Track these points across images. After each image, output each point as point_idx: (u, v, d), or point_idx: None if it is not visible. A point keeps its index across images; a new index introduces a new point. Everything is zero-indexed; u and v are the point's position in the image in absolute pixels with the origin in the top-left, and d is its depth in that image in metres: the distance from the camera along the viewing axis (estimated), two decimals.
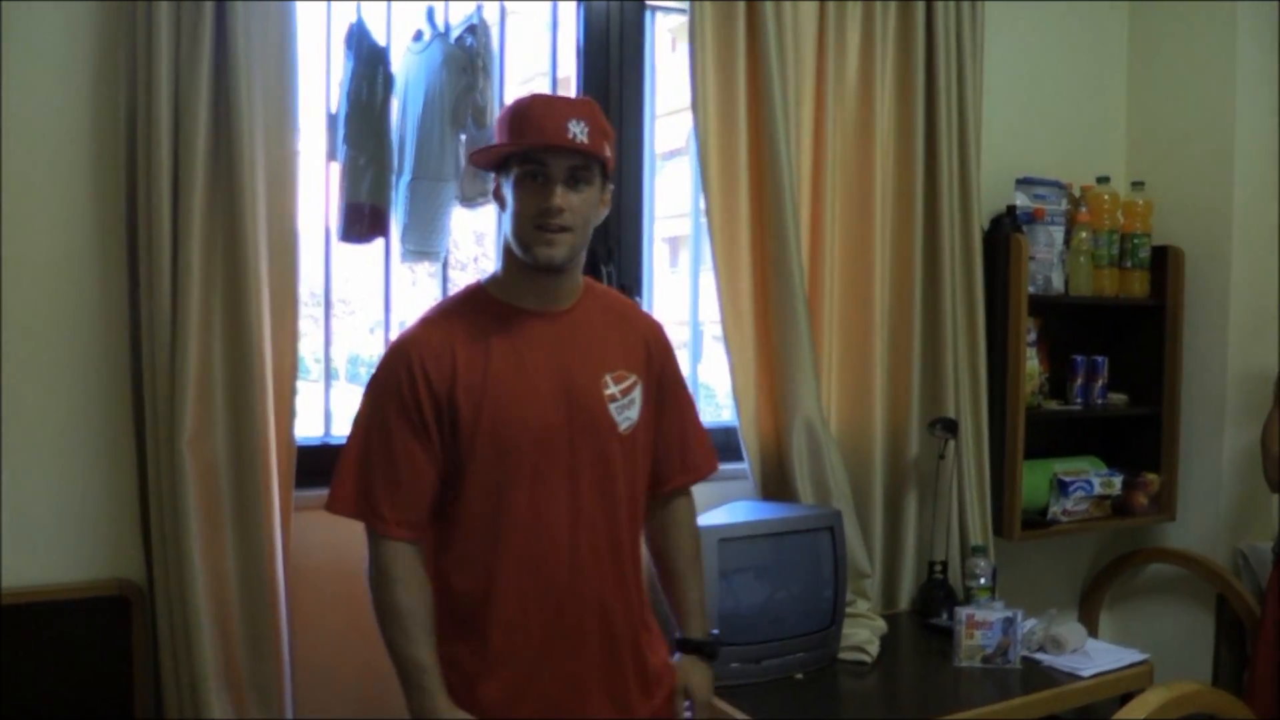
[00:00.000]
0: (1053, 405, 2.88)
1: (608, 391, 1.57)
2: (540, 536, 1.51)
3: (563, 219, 1.47)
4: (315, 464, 2.02)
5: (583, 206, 1.50)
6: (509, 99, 2.32)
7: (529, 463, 1.50)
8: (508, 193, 1.51)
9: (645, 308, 2.45)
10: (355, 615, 2.04)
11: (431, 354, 1.49)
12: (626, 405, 1.58)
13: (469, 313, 1.55)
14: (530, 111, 1.49)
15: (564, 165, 1.47)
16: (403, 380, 1.48)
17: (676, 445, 1.70)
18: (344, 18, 2.05)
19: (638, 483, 1.62)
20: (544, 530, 1.51)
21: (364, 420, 1.52)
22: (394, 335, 2.20)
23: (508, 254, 1.56)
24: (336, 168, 2.05)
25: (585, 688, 1.55)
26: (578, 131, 1.45)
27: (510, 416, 1.49)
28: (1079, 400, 2.89)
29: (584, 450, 1.53)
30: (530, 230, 1.48)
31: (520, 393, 1.50)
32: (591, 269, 2.21)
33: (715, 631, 1.76)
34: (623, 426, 1.57)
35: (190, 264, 1.80)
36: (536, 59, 2.46)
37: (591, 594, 1.54)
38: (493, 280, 1.59)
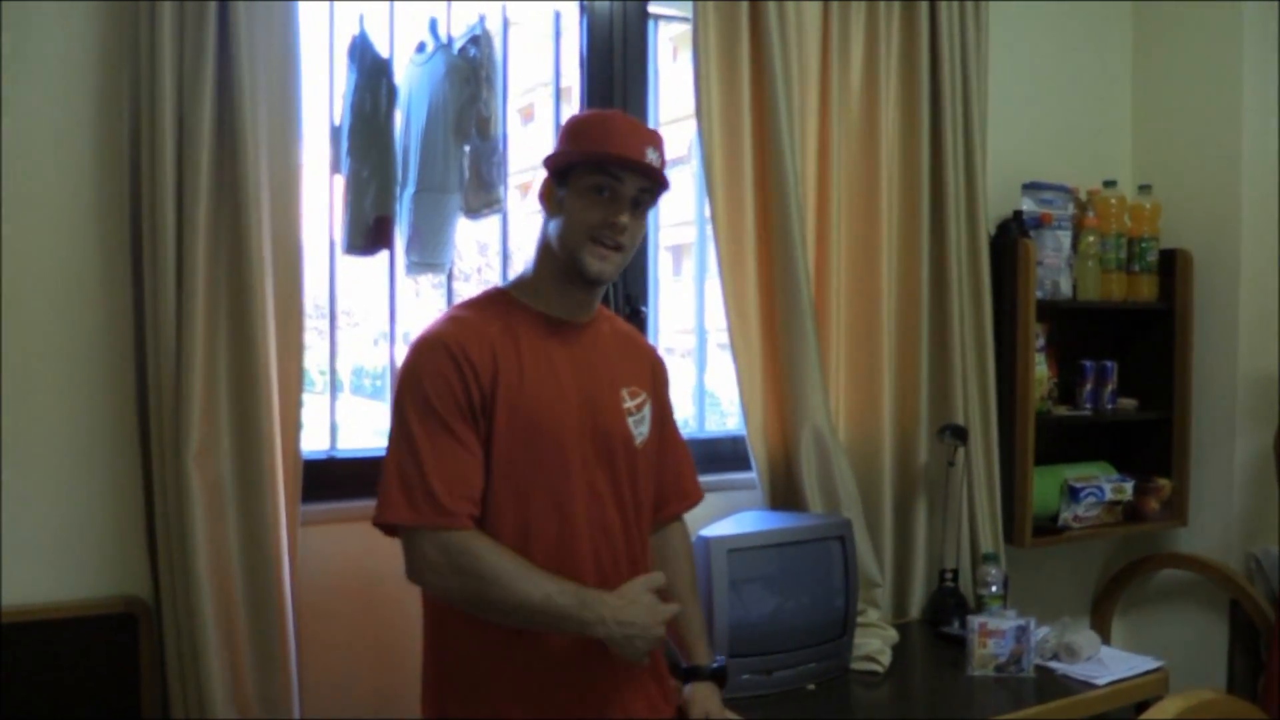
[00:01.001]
0: (1062, 411, 2.86)
1: (625, 405, 1.58)
2: (564, 544, 1.50)
3: (622, 238, 1.49)
4: (321, 478, 2.01)
5: (638, 231, 1.53)
6: (512, 108, 2.32)
7: (555, 467, 1.49)
8: (565, 199, 1.50)
9: (651, 316, 2.44)
10: (363, 629, 2.04)
11: (475, 348, 1.47)
12: (640, 421, 1.60)
13: (497, 315, 1.53)
14: (615, 126, 1.51)
15: (635, 186, 1.49)
16: (450, 372, 1.45)
17: (673, 472, 1.73)
18: (347, 30, 2.05)
19: (646, 499, 1.62)
20: (568, 538, 1.50)
21: (409, 419, 1.45)
22: (398, 348, 2.22)
23: (544, 259, 1.55)
24: (340, 180, 2.04)
25: (609, 699, 1.53)
26: (653, 159, 1.49)
27: (542, 419, 1.48)
28: (1089, 405, 2.87)
29: (604, 459, 1.54)
30: (585, 240, 1.48)
31: (551, 397, 1.50)
32: None
33: (721, 658, 1.74)
34: (637, 440, 1.58)
35: (195, 278, 1.79)
36: (540, 69, 2.46)
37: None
38: (518, 285, 1.58)
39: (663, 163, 1.52)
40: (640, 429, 1.59)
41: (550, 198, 1.54)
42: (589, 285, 1.53)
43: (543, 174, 1.57)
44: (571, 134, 1.54)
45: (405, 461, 1.44)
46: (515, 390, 1.47)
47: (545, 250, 1.55)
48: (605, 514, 1.54)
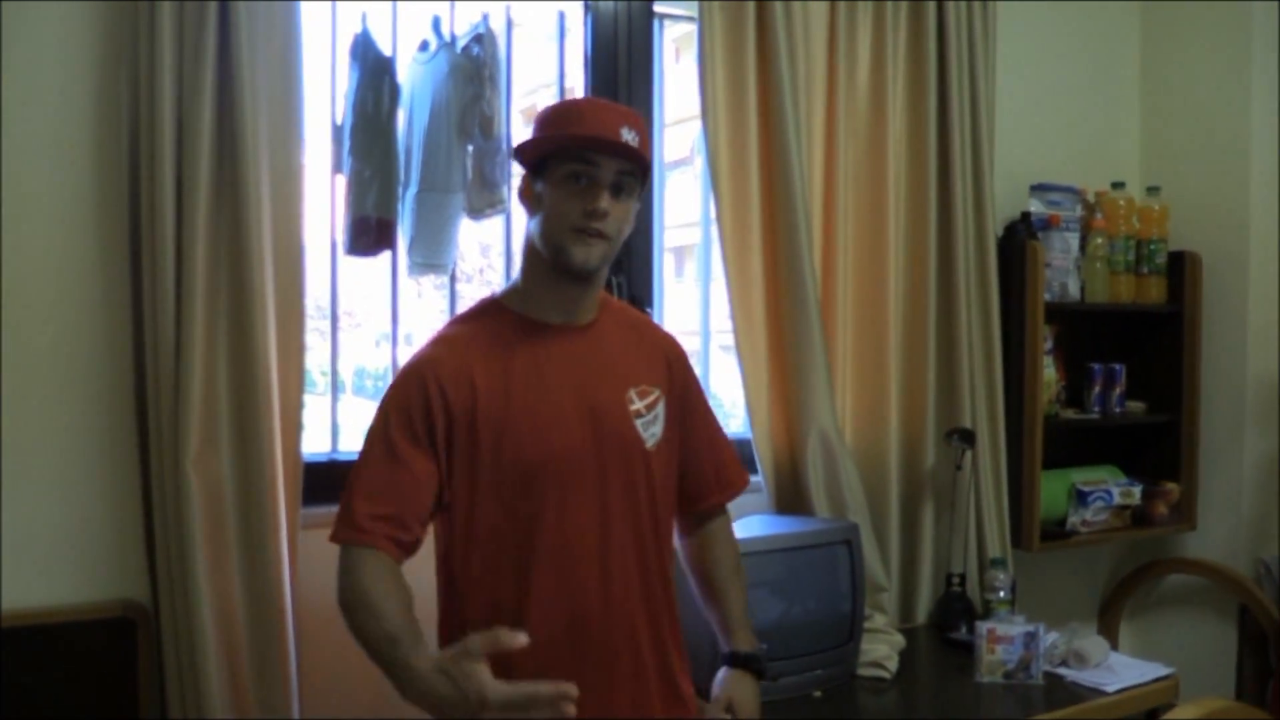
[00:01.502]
0: (1070, 414, 2.84)
1: (633, 407, 1.52)
2: (570, 563, 1.46)
3: (604, 225, 1.41)
4: (323, 480, 1.99)
5: (621, 217, 1.45)
6: (516, 108, 2.30)
7: (556, 486, 1.45)
8: (543, 193, 1.45)
9: (656, 318, 2.42)
10: None
11: (449, 377, 1.43)
12: (652, 421, 1.54)
13: (486, 329, 1.49)
14: (584, 110, 1.46)
15: (613, 169, 1.41)
16: (414, 401, 1.42)
17: (709, 462, 1.67)
18: (350, 28, 2.04)
19: (664, 500, 1.57)
20: (573, 556, 1.46)
21: (368, 444, 1.45)
22: (400, 348, 2.20)
23: (531, 261, 1.49)
24: (342, 180, 2.03)
25: (613, 701, 1.49)
26: (630, 138, 1.41)
27: (535, 440, 1.44)
28: (1096, 409, 2.85)
29: (613, 469, 1.49)
30: (567, 232, 1.41)
31: (544, 414, 1.45)
32: None
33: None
34: (649, 443, 1.53)
35: (194, 278, 1.77)
36: (543, 68, 2.44)
37: (622, 618, 1.50)
38: (510, 292, 1.53)
39: (642, 142, 1.43)
40: (651, 430, 1.53)
41: (529, 194, 1.48)
42: (577, 279, 1.46)
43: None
44: (542, 124, 1.47)
45: (350, 483, 1.43)
46: (500, 415, 1.43)
47: (531, 251, 1.49)
48: (617, 526, 1.49)
